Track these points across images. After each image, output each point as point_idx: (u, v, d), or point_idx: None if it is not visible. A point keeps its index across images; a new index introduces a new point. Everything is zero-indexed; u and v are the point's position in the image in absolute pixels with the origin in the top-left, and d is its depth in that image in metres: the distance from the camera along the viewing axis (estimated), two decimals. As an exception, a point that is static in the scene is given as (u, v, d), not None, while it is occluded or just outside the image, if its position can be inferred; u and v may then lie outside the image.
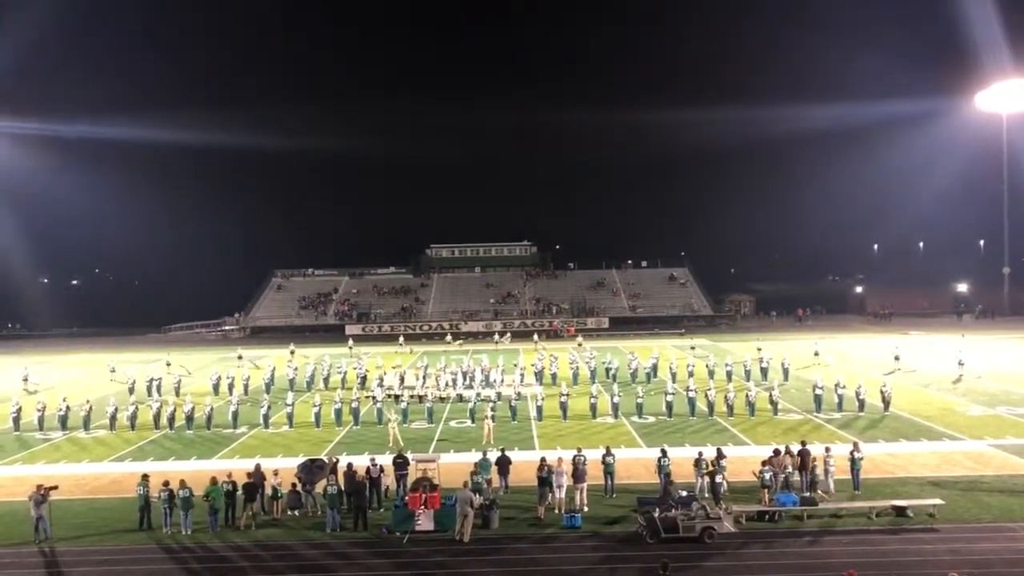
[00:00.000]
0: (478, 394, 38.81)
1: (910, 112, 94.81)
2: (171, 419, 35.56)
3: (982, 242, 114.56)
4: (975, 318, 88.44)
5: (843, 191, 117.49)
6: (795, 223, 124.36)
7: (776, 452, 24.26)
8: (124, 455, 31.25)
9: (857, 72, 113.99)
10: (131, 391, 43.25)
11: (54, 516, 21.64)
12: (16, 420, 35.94)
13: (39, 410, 36.30)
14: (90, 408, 36.05)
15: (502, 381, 42.49)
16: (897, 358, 50.12)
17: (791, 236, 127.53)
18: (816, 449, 25.07)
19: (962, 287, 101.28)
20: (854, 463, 23.93)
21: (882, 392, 35.94)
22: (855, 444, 25.02)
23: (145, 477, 22.68)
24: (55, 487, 22.03)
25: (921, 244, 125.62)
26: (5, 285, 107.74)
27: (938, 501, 22.06)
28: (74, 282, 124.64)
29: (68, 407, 36.23)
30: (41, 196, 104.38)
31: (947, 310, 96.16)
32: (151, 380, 44.88)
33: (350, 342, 69.36)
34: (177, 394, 42.87)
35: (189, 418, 35.33)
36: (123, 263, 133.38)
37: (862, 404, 35.66)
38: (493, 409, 34.18)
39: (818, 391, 36.67)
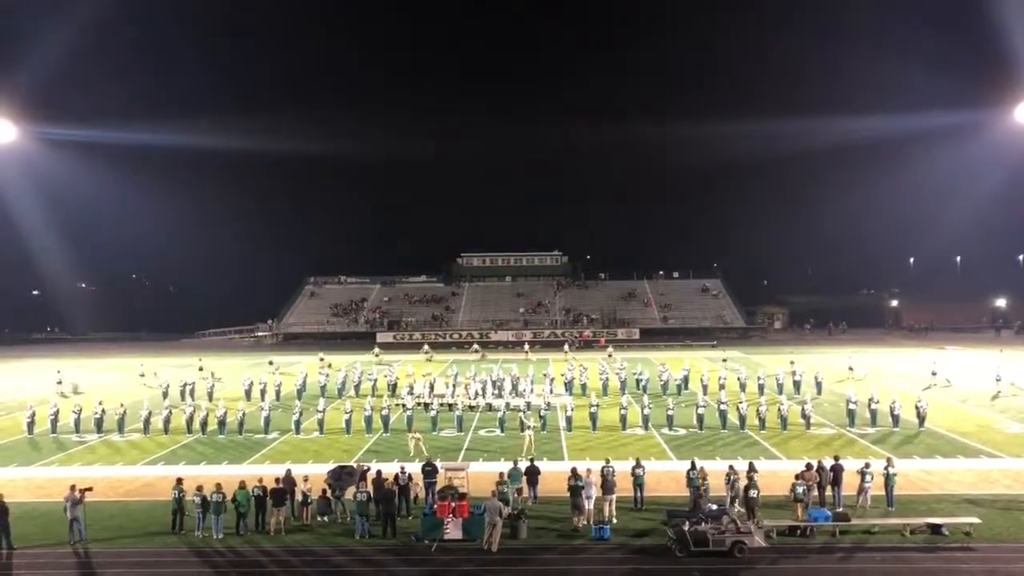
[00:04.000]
0: (507, 404, 38.78)
1: (948, 124, 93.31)
2: (204, 424, 35.92)
3: (1021, 257, 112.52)
4: (1015, 333, 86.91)
5: (878, 204, 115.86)
6: (829, 235, 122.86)
7: (808, 466, 24.01)
8: (157, 458, 31.64)
9: (893, 84, 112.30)
10: (165, 395, 43.86)
11: (88, 518, 21.98)
12: (53, 422, 36.57)
13: (75, 412, 36.94)
14: (124, 412, 36.66)
15: (532, 391, 42.41)
16: (934, 373, 49.35)
17: (825, 248, 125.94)
18: (852, 464, 24.80)
19: (1000, 302, 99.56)
20: (888, 479, 23.56)
21: (917, 407, 35.36)
22: (889, 460, 24.63)
23: (180, 481, 22.97)
24: (89, 488, 22.34)
25: (958, 258, 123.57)
26: (43, 289, 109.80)
27: (975, 520, 21.65)
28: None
29: (103, 410, 36.89)
30: (78, 201, 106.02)
31: (985, 325, 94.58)
32: (184, 385, 45.42)
33: (376, 350, 69.65)
34: (210, 399, 43.36)
35: (221, 423, 35.71)
36: (159, 269, 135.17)
37: (896, 419, 35.13)
38: (537, 419, 34.37)
39: (852, 406, 36.20)
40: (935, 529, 21.41)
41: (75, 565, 20.33)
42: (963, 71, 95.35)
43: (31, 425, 36.40)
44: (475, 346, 73.40)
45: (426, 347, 71.26)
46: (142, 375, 54.67)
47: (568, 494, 22.78)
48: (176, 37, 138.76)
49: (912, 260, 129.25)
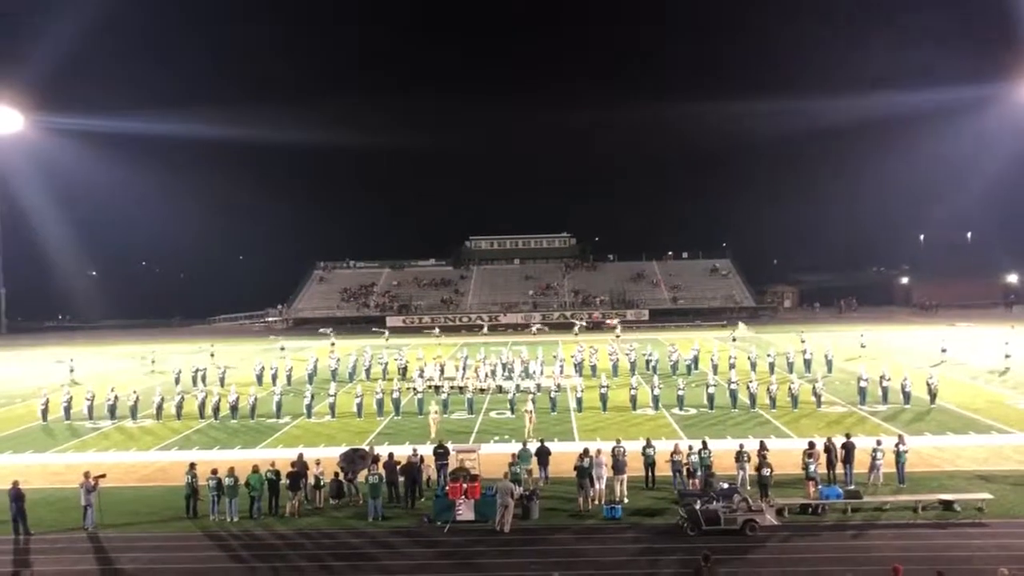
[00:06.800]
0: (517, 386, 38.86)
1: (958, 100, 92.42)
2: (216, 409, 36.09)
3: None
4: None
5: (888, 181, 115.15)
6: (839, 213, 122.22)
7: (811, 445, 23.90)
8: (170, 444, 31.85)
9: (903, 60, 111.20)
10: (177, 381, 44.07)
11: (103, 503, 22.14)
12: (67, 409, 36.83)
13: (88, 399, 37.16)
14: (137, 398, 36.87)
15: (542, 372, 42.47)
16: (944, 350, 49.20)
17: (835, 227, 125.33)
18: (863, 442, 24.77)
19: (1012, 278, 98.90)
20: (899, 456, 23.53)
21: (928, 384, 35.28)
22: (900, 437, 24.57)
23: (193, 466, 23.13)
24: (103, 475, 22.52)
25: (969, 234, 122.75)
26: (55, 278, 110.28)
27: (987, 495, 21.62)
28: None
29: (116, 397, 37.09)
30: (89, 190, 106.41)
31: (996, 301, 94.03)
32: (196, 370, 45.62)
33: (386, 333, 69.64)
34: (222, 384, 43.49)
35: (234, 408, 35.90)
36: (169, 256, 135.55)
37: (907, 397, 35.04)
38: (534, 401, 34.27)
39: (863, 383, 36.09)
40: (947, 505, 21.41)
41: (91, 549, 20.49)
42: (973, 46, 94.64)
43: (45, 412, 36.66)
44: (484, 328, 73.66)
45: (436, 330, 71.48)
46: (152, 362, 54.92)
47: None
48: (184, 27, 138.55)
49: (922, 237, 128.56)
